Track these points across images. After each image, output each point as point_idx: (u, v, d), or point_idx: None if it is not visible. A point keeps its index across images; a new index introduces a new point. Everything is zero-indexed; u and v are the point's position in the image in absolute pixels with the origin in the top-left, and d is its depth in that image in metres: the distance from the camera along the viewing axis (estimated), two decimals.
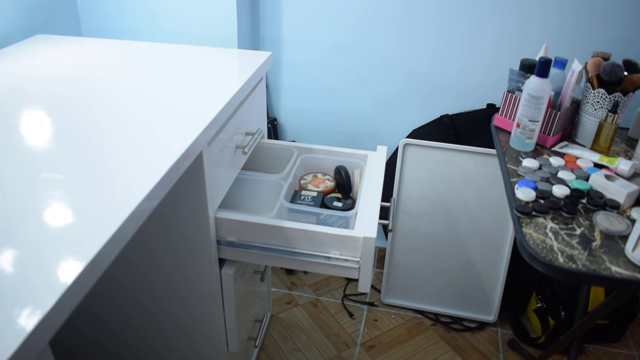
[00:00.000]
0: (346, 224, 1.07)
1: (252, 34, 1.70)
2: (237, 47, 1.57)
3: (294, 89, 1.82)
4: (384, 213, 1.84)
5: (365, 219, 1.02)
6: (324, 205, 1.15)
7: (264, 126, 1.32)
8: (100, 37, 1.49)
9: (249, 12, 1.63)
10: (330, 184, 1.23)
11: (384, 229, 1.79)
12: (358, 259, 1.00)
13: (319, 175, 1.27)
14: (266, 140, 1.32)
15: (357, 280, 1.02)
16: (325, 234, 0.99)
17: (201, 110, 0.94)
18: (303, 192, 1.18)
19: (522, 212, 0.97)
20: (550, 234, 0.92)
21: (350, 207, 1.13)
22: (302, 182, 1.24)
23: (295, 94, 1.83)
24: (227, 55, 1.27)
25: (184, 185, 0.94)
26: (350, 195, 1.21)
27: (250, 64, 1.19)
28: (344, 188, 1.21)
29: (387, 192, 1.77)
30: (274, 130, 1.87)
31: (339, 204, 1.14)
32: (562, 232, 0.93)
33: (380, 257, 2.02)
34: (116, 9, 1.57)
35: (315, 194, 1.17)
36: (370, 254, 0.99)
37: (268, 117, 1.85)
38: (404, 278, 1.77)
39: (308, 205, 1.12)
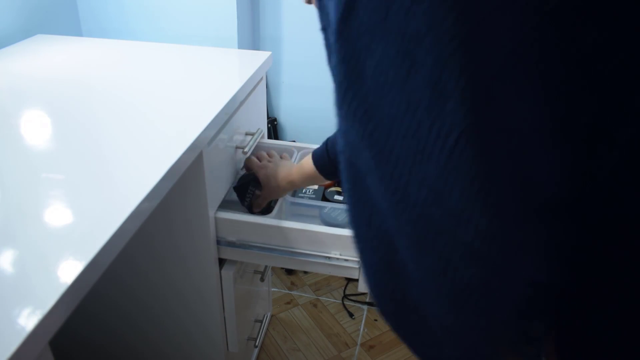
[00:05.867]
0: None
1: (252, 34, 1.70)
2: (237, 47, 1.57)
3: (294, 88, 1.82)
4: None
5: None
6: (325, 199, 1.15)
7: (264, 126, 1.32)
8: (100, 37, 1.49)
9: (249, 12, 1.63)
10: None
11: None
12: (358, 259, 1.00)
13: None
14: (266, 140, 1.32)
15: (357, 280, 1.02)
16: (325, 234, 0.99)
17: (201, 110, 0.94)
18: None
19: None
20: None
21: None
22: None
23: (295, 94, 1.83)
24: (227, 55, 1.27)
25: (184, 185, 0.94)
26: None
27: (250, 64, 1.19)
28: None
29: None
30: (274, 130, 1.87)
31: (340, 197, 1.14)
32: None
33: None
34: (116, 9, 1.57)
35: (316, 187, 1.18)
36: None
37: (268, 117, 1.85)
38: None
39: (310, 198, 1.13)
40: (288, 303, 1.79)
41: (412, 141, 0.35)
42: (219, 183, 1.01)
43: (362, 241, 0.46)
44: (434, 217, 0.36)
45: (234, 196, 1.11)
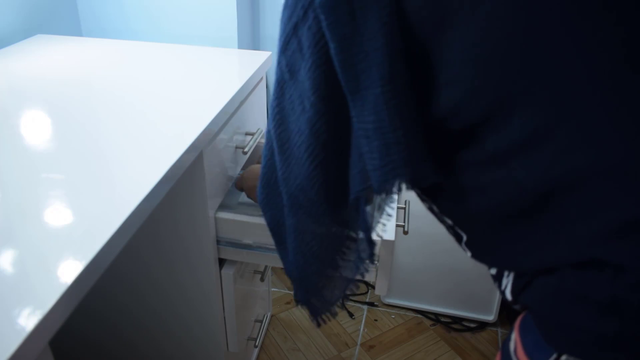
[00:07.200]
0: None
1: (252, 34, 1.70)
2: (237, 47, 1.57)
3: None
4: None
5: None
6: None
7: (264, 126, 1.32)
8: (100, 37, 1.49)
9: (249, 12, 1.63)
10: None
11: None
12: (376, 262, 0.99)
13: None
14: None
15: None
16: None
17: (201, 110, 0.94)
18: None
19: None
20: None
21: None
22: None
23: None
24: (227, 55, 1.27)
25: (184, 185, 0.94)
26: None
27: (250, 64, 1.19)
28: None
29: None
30: None
31: None
32: None
33: None
34: (116, 9, 1.57)
35: None
36: (389, 257, 0.97)
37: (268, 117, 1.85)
38: (404, 278, 1.77)
39: None
40: (288, 303, 1.79)
41: (296, 152, 0.60)
42: (219, 183, 1.01)
43: (266, 193, 0.72)
44: (299, 199, 0.63)
45: (234, 196, 1.11)
